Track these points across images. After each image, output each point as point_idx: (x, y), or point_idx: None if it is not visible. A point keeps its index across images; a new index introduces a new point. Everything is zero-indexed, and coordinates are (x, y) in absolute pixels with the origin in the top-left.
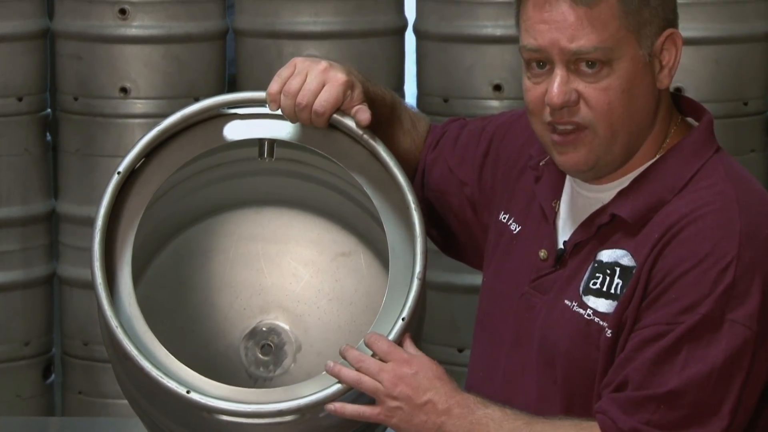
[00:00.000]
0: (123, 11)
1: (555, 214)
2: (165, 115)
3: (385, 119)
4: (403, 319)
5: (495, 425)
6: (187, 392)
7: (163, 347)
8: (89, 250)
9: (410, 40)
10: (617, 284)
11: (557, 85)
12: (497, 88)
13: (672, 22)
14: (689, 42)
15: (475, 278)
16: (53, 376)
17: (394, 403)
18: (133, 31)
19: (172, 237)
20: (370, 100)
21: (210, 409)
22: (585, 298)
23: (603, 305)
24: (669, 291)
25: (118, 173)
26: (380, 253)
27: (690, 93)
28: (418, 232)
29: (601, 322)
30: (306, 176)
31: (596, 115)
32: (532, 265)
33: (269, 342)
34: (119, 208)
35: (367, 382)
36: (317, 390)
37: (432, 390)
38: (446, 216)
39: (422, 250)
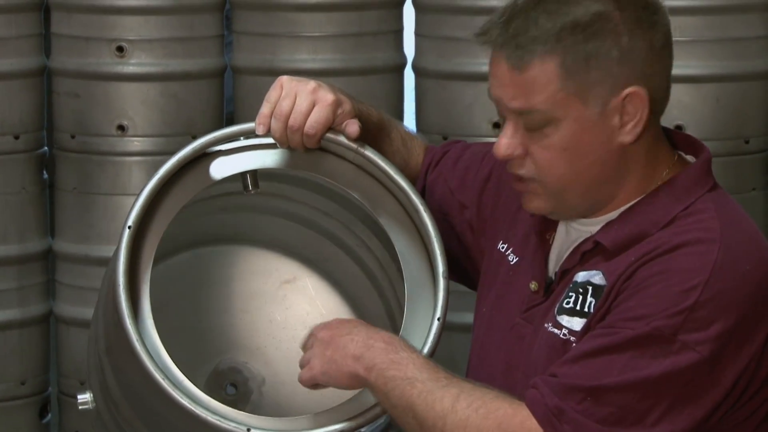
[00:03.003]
0: (120, 49)
1: (549, 246)
2: (162, 153)
3: (372, 136)
4: (438, 320)
5: (415, 368)
6: (248, 430)
7: (201, 391)
8: (118, 313)
9: (409, 77)
10: (590, 303)
11: (502, 138)
12: (496, 125)
13: (634, 79)
14: (690, 80)
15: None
16: (50, 415)
17: (315, 351)
18: (130, 69)
19: None
20: (356, 117)
21: None
22: (559, 318)
23: (577, 324)
24: (630, 300)
25: (129, 227)
26: (327, 273)
27: (691, 130)
28: (433, 233)
29: (575, 341)
30: (241, 207)
31: (540, 170)
32: (524, 297)
33: (232, 381)
34: (134, 262)
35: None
36: (359, 411)
37: (355, 330)
38: (448, 238)
39: (441, 249)
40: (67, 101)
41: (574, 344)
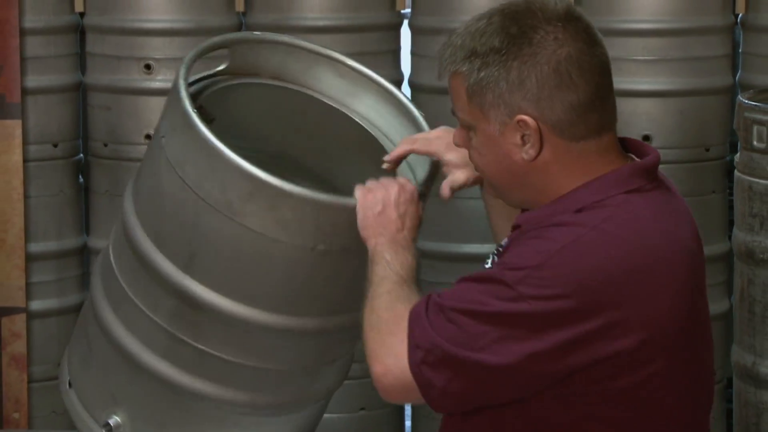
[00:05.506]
0: (148, 66)
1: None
2: None
3: None
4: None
5: (397, 262)
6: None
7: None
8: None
9: (406, 92)
10: (495, 259)
11: (456, 130)
12: None
13: (526, 108)
14: (657, 94)
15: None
16: None
17: (367, 192)
18: (157, 84)
19: None
20: None
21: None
22: None
23: None
24: (506, 252)
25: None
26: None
27: (657, 140)
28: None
29: None
30: None
31: (474, 164)
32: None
33: None
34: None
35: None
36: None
37: (408, 211)
38: None
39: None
40: (100, 113)
41: None
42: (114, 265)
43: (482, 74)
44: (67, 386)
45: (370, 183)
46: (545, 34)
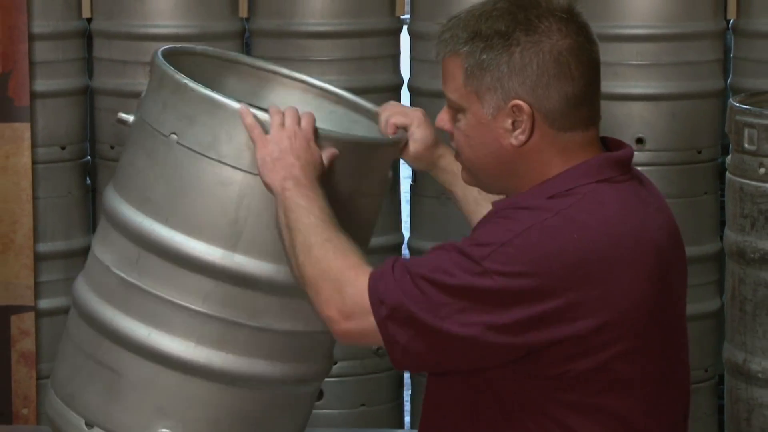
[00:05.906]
0: None
1: None
2: None
3: None
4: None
5: (306, 222)
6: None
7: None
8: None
9: (405, 96)
10: None
11: (441, 112)
12: None
13: (523, 94)
14: (649, 98)
15: None
16: None
17: (270, 142)
18: None
19: None
20: None
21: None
22: None
23: None
24: (476, 228)
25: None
26: None
27: (650, 143)
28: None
29: None
30: None
31: (456, 148)
32: None
33: None
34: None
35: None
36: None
37: (303, 156)
38: None
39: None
40: (107, 116)
41: None
42: (132, 281)
43: (484, 56)
44: (85, 427)
45: (273, 116)
46: (549, 24)
